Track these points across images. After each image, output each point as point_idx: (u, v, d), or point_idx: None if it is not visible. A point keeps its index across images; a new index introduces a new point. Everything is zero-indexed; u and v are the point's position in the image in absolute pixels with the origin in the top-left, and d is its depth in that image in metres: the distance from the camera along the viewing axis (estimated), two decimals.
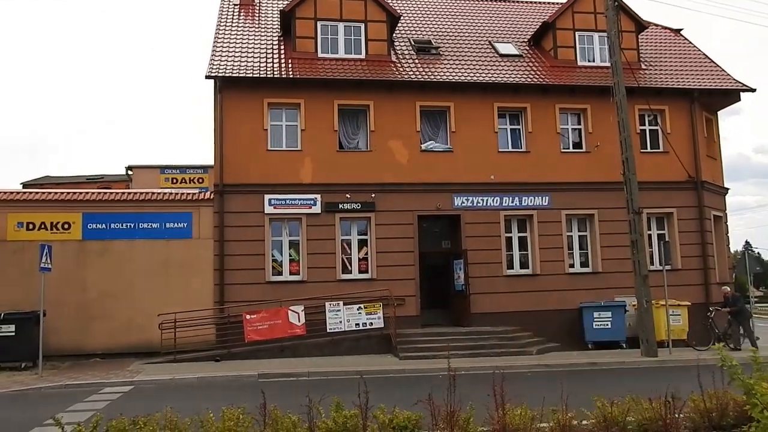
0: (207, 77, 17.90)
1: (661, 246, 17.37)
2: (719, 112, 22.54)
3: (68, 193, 18.52)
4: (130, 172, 26.76)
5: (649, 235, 19.77)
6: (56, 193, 18.62)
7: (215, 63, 18.41)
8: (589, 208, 19.50)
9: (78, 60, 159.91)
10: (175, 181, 26.04)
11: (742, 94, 21.19)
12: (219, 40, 19.74)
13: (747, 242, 23.92)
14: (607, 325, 17.94)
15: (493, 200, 19.02)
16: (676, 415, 6.73)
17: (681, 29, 24.95)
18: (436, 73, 19.56)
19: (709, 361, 15.96)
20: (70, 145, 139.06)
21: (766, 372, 5.94)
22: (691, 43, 24.06)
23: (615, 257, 19.04)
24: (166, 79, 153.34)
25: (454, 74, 19.57)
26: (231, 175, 17.84)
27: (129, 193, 18.77)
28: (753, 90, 20.80)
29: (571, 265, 19.44)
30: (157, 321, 16.09)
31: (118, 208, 17.85)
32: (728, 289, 18.53)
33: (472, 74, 19.65)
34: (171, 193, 18.81)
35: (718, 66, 22.21)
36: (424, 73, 19.46)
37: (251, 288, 17.23)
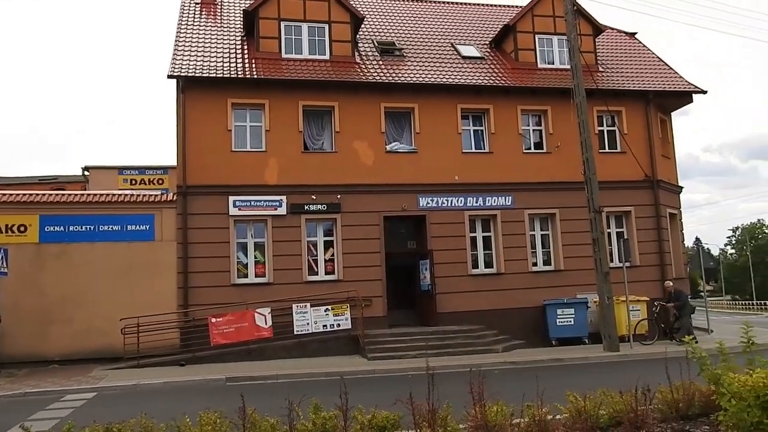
0: (169, 77, 17.64)
1: (621, 243, 17.83)
2: (672, 113, 23.21)
3: (24, 194, 17.99)
4: (86, 173, 26.09)
5: (608, 233, 20.24)
6: (11, 194, 18.07)
7: (177, 62, 18.15)
8: (550, 208, 19.88)
9: (33, 58, 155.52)
10: (134, 182, 25.48)
11: (693, 95, 21.88)
12: (181, 40, 19.45)
13: (697, 238, 24.61)
14: (570, 321, 18.33)
15: (457, 200, 19.21)
16: (646, 406, 6.95)
17: (635, 33, 25.63)
18: (400, 75, 19.66)
19: (670, 354, 16.49)
20: (21, 145, 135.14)
21: (731, 362, 6.16)
22: (645, 46, 24.75)
23: (576, 255, 19.45)
24: (124, 79, 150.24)
25: (417, 76, 19.70)
26: (194, 177, 17.60)
27: (89, 195, 18.33)
28: (704, 92, 21.51)
29: (534, 264, 19.78)
30: (119, 326, 15.76)
31: (77, 209, 17.43)
32: (671, 283, 18.56)
33: (435, 76, 19.82)
34: (132, 195, 18.43)
35: (671, 68, 22.90)
36: (388, 75, 19.54)
37: (216, 291, 17.03)
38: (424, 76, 19.72)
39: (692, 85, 21.73)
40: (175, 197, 17.77)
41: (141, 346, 15.78)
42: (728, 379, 5.72)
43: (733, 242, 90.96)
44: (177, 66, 17.97)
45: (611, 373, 13.31)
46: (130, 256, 17.26)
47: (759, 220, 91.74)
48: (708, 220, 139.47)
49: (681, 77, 22.16)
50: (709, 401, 7.28)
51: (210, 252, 17.29)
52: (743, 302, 69.35)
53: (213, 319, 16.32)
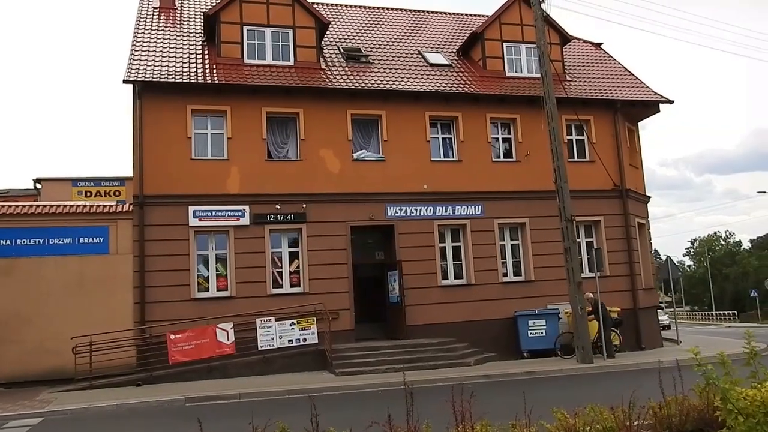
0: (125, 82, 16.82)
1: (593, 253, 17.55)
2: (639, 123, 23.22)
3: None
4: (38, 186, 24.88)
5: (578, 243, 19.98)
6: None
7: (134, 67, 17.35)
8: (520, 217, 19.55)
9: None
10: (89, 194, 24.33)
11: (660, 105, 21.91)
12: (138, 44, 18.65)
13: (656, 250, 24.81)
14: (542, 333, 17.96)
15: (426, 210, 18.75)
16: (638, 423, 6.50)
17: (601, 43, 25.70)
18: (366, 81, 19.19)
19: (642, 366, 16.20)
20: None
21: (735, 375, 5.71)
22: (610, 56, 24.80)
23: (546, 265, 19.15)
24: (76, 87, 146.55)
25: (385, 83, 19.26)
26: (152, 186, 16.77)
27: (38, 206, 17.28)
28: (671, 101, 21.54)
29: (505, 275, 19.40)
30: (71, 344, 14.78)
31: (25, 222, 16.40)
32: (591, 295, 17.44)
33: (403, 83, 19.40)
34: (85, 206, 17.43)
35: (637, 78, 22.93)
36: (354, 81, 19.05)
37: (175, 306, 16.18)
38: (391, 83, 19.29)
39: (659, 95, 21.76)
40: (131, 208, 16.90)
41: (94, 366, 14.83)
42: (735, 394, 5.26)
43: (691, 254, 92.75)
44: (133, 71, 17.17)
45: (588, 386, 12.92)
46: (82, 271, 16.29)
47: (716, 232, 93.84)
48: (666, 232, 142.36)
49: (648, 87, 22.20)
50: (703, 417, 6.87)
51: (169, 265, 16.43)
52: (702, 313, 70.50)
53: (172, 336, 15.46)
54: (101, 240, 16.76)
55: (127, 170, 17.83)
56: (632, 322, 19.68)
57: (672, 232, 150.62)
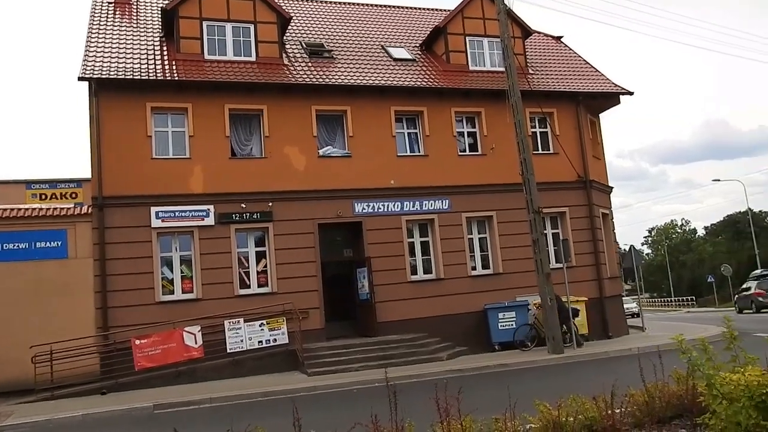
0: (80, 79, 16.23)
1: (561, 244, 17.65)
2: (600, 115, 23.48)
3: None
4: None
5: (545, 234, 20.11)
6: None
7: (89, 63, 16.76)
8: (487, 210, 19.57)
9: None
10: (44, 197, 23.47)
11: (621, 96, 22.20)
12: (93, 40, 18.03)
13: (615, 241, 25.14)
14: (512, 325, 18.00)
15: (394, 205, 18.61)
16: (620, 410, 6.47)
17: (561, 36, 25.91)
18: (330, 77, 18.93)
19: (612, 354, 16.35)
20: None
21: (715, 360, 5.71)
22: (571, 49, 25.02)
23: (514, 258, 19.22)
24: (27, 85, 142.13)
25: (349, 78, 19.02)
26: (111, 187, 16.24)
27: None
28: (631, 93, 21.84)
29: (474, 268, 19.40)
30: (30, 354, 14.17)
31: None
32: None
33: (367, 78, 19.20)
34: (41, 209, 16.80)
35: (598, 71, 23.17)
36: (318, 77, 18.77)
37: (139, 310, 15.69)
38: (355, 77, 19.06)
39: (619, 86, 22.04)
40: (90, 210, 16.35)
41: (55, 376, 14.29)
42: (720, 380, 5.25)
43: (649, 242, 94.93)
44: (89, 67, 16.59)
45: (562, 376, 12.98)
46: (40, 276, 15.66)
47: (672, 220, 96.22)
48: (624, 222, 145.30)
49: (608, 79, 22.45)
50: (683, 403, 6.89)
51: (131, 268, 15.94)
52: (661, 299, 72.17)
53: (137, 341, 15.00)
54: (59, 244, 16.17)
55: (84, 171, 17.24)
56: (599, 311, 19.91)
57: (630, 222, 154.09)
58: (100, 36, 18.43)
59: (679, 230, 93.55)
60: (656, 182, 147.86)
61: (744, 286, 36.25)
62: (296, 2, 23.89)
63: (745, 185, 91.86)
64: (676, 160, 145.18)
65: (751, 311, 32.11)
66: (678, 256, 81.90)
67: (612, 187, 23.24)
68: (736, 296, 36.71)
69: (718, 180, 64.15)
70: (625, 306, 36.95)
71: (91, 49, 17.53)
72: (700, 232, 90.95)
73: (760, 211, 75.85)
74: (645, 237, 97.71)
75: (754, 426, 4.93)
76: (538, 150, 20.51)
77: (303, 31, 21.60)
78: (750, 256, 57.17)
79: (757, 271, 39.03)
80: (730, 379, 5.20)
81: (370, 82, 18.96)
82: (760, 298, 32.04)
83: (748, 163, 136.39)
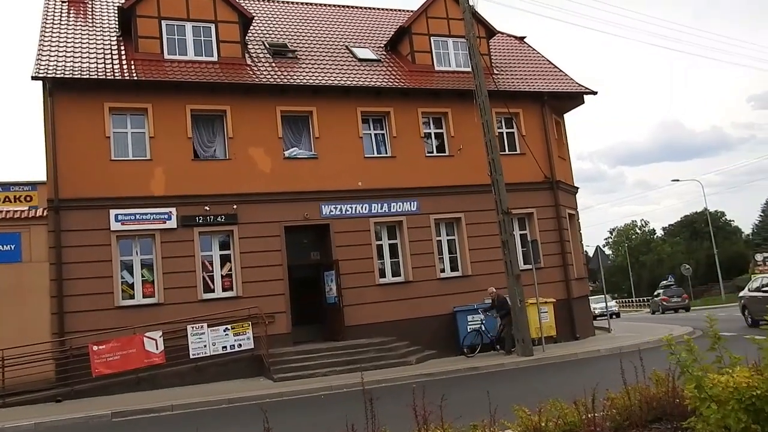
0: (33, 78, 15.62)
1: (530, 245, 17.60)
2: (565, 115, 23.61)
3: None
4: None
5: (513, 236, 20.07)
6: None
7: (43, 63, 16.14)
8: (455, 212, 19.45)
9: None
10: None
11: (584, 96, 22.35)
12: (47, 38, 17.39)
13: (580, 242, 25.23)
14: (482, 327, 17.86)
15: (361, 207, 18.35)
16: (601, 414, 6.32)
17: (524, 37, 26.02)
18: (295, 77, 18.61)
19: (581, 356, 16.32)
20: None
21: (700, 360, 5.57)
22: (534, 49, 25.13)
23: (483, 259, 19.13)
24: None
25: (314, 78, 18.73)
26: (68, 189, 15.64)
27: None
28: (595, 93, 21.99)
29: (442, 270, 19.24)
30: None
31: None
32: (494, 289, 17.25)
33: (332, 78, 18.93)
34: None
35: (561, 71, 23.30)
36: (282, 77, 18.43)
37: (98, 315, 15.12)
38: (320, 78, 18.78)
39: (583, 86, 22.18)
40: (45, 213, 15.72)
41: (7, 383, 13.75)
42: (709, 381, 5.08)
43: (610, 243, 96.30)
44: (42, 66, 15.98)
45: (534, 379, 12.87)
46: None
47: (633, 221, 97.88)
48: (585, 223, 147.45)
49: (572, 79, 22.59)
50: (663, 406, 6.74)
51: (89, 272, 15.35)
52: (622, 299, 73.33)
53: (95, 347, 14.43)
54: (12, 247, 15.52)
55: (38, 174, 16.54)
56: (567, 312, 19.94)
57: (590, 224, 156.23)
58: (54, 35, 17.79)
59: (638, 231, 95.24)
60: (614, 184, 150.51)
61: (655, 292, 46.03)
62: (258, 2, 23.48)
63: (702, 185, 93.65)
64: (633, 161, 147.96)
65: (659, 312, 41.82)
66: (638, 256, 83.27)
67: (578, 188, 23.39)
68: (650, 300, 46.14)
69: (677, 180, 65.55)
70: (601, 305, 37.06)
71: (45, 48, 16.90)
72: (659, 233, 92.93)
73: (716, 211, 77.75)
74: (606, 238, 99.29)
75: (743, 430, 4.77)
76: (504, 150, 20.42)
77: (265, 31, 21.23)
78: (708, 256, 58.48)
79: (664, 282, 48.11)
80: (718, 380, 5.05)
81: (336, 82, 18.69)
82: (665, 303, 42.11)
83: (701, 163, 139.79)
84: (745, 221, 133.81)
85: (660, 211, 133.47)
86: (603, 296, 38.06)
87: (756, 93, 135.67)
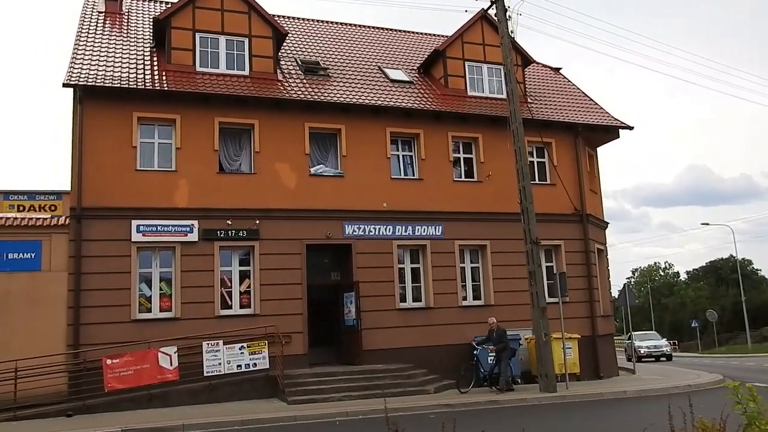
0: (65, 85, 15.57)
1: (557, 278, 17.03)
2: (598, 149, 23.12)
3: None
4: None
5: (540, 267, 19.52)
6: None
7: (75, 70, 16.13)
8: (481, 239, 18.99)
9: None
10: (22, 208, 22.51)
11: (620, 131, 21.87)
12: (81, 47, 17.44)
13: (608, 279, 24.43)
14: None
15: (385, 229, 17.98)
16: None
17: (560, 68, 25.71)
18: (325, 94, 18.43)
19: (606, 396, 15.63)
20: None
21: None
22: (569, 81, 24.78)
23: (506, 290, 18.62)
24: (6, 92, 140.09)
25: (344, 96, 18.53)
26: (91, 198, 15.49)
27: None
28: (631, 128, 21.52)
29: (464, 298, 18.73)
30: None
31: None
32: (494, 319, 16.51)
33: (362, 97, 18.71)
34: (15, 219, 15.93)
35: (596, 103, 22.89)
36: (313, 93, 18.26)
37: (113, 328, 14.83)
38: (351, 96, 18.57)
39: (619, 120, 21.73)
40: (67, 221, 15.55)
41: (19, 395, 13.36)
42: None
43: (632, 283, 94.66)
44: (74, 73, 15.95)
45: (559, 418, 12.27)
46: (9, 289, 14.78)
47: (656, 262, 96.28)
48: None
49: (607, 112, 22.15)
50: None
51: (108, 284, 15.11)
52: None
53: (108, 361, 14.11)
54: (33, 255, 15.35)
55: (64, 184, 16.48)
56: (591, 350, 19.27)
57: (612, 262, 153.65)
58: (88, 44, 17.84)
59: (662, 273, 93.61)
60: (638, 224, 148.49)
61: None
62: (293, 20, 23.51)
63: (733, 231, 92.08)
64: (658, 203, 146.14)
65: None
66: (660, 298, 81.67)
67: (608, 223, 22.81)
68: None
69: (707, 224, 64.21)
70: (649, 344, 36.02)
71: (78, 56, 16.92)
72: (682, 276, 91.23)
73: (743, 259, 76.13)
74: (628, 278, 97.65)
75: None
76: (535, 180, 19.92)
77: (299, 49, 21.16)
78: (735, 303, 57.06)
79: (640, 333, 41.67)
80: None
81: (366, 101, 18.47)
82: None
83: (729, 210, 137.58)
84: None
85: (683, 254, 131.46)
86: (652, 333, 36.67)
87: None
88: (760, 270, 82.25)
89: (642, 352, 34.96)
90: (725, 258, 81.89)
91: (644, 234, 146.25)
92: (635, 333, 37.49)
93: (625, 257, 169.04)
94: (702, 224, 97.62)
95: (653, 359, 35.26)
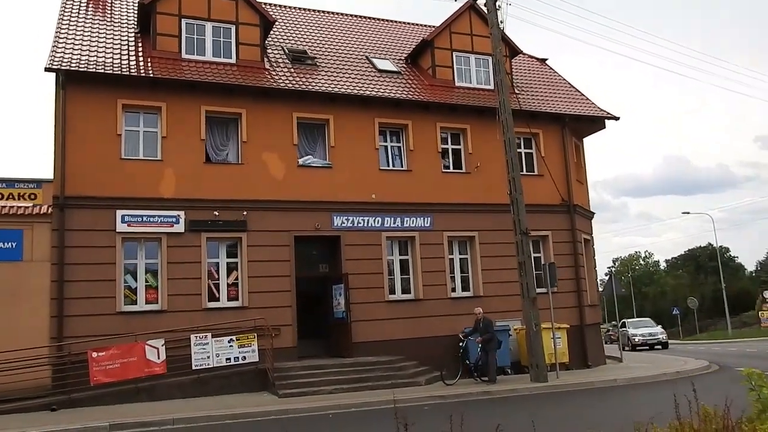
0: (47, 70, 15.16)
1: (546, 268, 17.05)
2: (584, 139, 23.15)
3: None
4: None
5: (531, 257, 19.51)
6: None
7: (58, 54, 15.71)
8: (469, 230, 18.92)
9: None
10: (0, 196, 22.16)
11: (606, 121, 21.89)
12: (63, 31, 16.99)
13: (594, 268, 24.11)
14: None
15: (374, 221, 17.83)
16: None
17: (546, 59, 25.65)
18: (313, 84, 18.18)
19: (597, 384, 15.68)
20: None
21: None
22: (556, 72, 24.74)
23: (495, 280, 18.60)
24: None
25: (332, 86, 18.29)
26: (75, 186, 15.12)
27: None
28: (617, 118, 21.54)
29: (453, 289, 18.68)
30: None
31: None
32: (480, 310, 16.32)
33: (351, 87, 18.49)
34: None
35: (582, 94, 22.88)
36: (300, 83, 18.00)
37: (99, 320, 14.54)
38: (339, 86, 18.34)
39: (605, 111, 21.74)
40: (50, 210, 15.18)
41: (1, 388, 13.00)
42: None
43: (613, 272, 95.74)
44: (57, 58, 15.54)
45: (553, 406, 12.26)
46: None
47: (636, 252, 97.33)
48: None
49: (593, 103, 22.15)
50: None
51: (92, 275, 14.78)
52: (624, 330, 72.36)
53: (94, 354, 13.82)
54: (13, 245, 14.95)
55: (45, 172, 16.05)
56: (579, 339, 19.35)
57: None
58: (71, 28, 17.39)
59: (642, 262, 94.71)
60: (618, 214, 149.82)
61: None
62: (280, 8, 23.15)
63: (713, 219, 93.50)
64: (637, 193, 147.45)
65: (628, 348, 32.63)
66: (640, 287, 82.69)
67: (594, 213, 22.89)
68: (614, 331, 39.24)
69: (688, 213, 65.08)
70: (644, 331, 34.20)
71: (61, 40, 16.48)
72: (662, 265, 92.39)
73: (720, 247, 77.23)
74: (609, 267, 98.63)
75: None
76: (522, 171, 19.89)
77: (286, 37, 20.85)
78: (714, 290, 57.90)
79: (633, 320, 40.97)
80: None
81: (355, 91, 18.25)
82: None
83: (706, 199, 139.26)
84: (748, 258, 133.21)
85: (661, 243, 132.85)
86: (646, 320, 35.86)
87: (763, 134, 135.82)
88: (737, 257, 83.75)
89: (637, 340, 33.89)
90: (703, 246, 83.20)
91: (623, 224, 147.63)
92: (628, 320, 36.98)
93: (605, 247, 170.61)
94: (683, 213, 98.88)
95: (647, 348, 33.64)
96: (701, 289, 65.84)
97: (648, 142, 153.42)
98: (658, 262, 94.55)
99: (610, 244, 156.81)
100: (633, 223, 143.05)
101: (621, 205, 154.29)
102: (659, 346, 33.66)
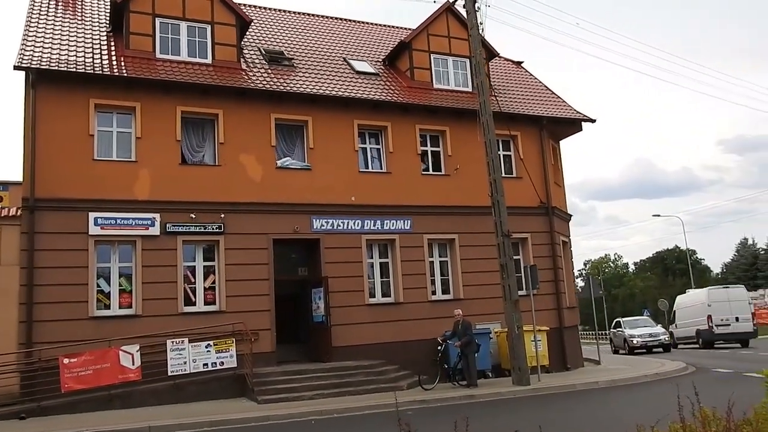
0: (16, 68, 14.68)
1: (527, 270, 16.99)
2: (561, 142, 23.25)
3: None
4: None
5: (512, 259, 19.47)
6: None
7: (27, 52, 15.22)
8: (449, 233, 18.82)
9: None
10: None
11: (582, 123, 22.00)
12: (32, 28, 16.50)
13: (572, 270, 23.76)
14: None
15: (354, 223, 17.61)
16: None
17: (522, 62, 25.75)
18: (291, 85, 17.91)
19: (579, 387, 15.64)
20: None
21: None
22: (531, 74, 24.84)
23: (475, 283, 18.50)
24: None
25: (310, 87, 18.05)
26: (45, 188, 14.63)
27: None
28: (593, 120, 21.66)
29: (434, 292, 18.53)
30: None
31: None
32: (460, 312, 16.19)
33: (329, 89, 18.27)
34: None
35: (559, 97, 22.99)
36: (278, 84, 17.73)
37: (70, 325, 14.04)
38: (317, 87, 18.11)
39: (581, 113, 21.85)
40: (19, 212, 14.67)
41: None
42: None
43: (583, 275, 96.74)
44: (27, 56, 15.05)
45: (538, 409, 12.15)
46: None
47: (606, 254, 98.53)
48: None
49: (569, 105, 22.27)
50: None
51: (63, 278, 14.30)
52: (593, 332, 73.18)
53: (65, 360, 13.34)
54: None
55: (12, 173, 15.51)
56: (558, 342, 19.35)
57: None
58: (41, 25, 16.90)
59: (612, 265, 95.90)
60: (586, 217, 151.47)
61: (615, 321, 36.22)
62: (256, 9, 22.87)
63: (683, 222, 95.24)
64: (604, 196, 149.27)
65: (625, 352, 30.77)
66: (610, 289, 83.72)
67: (571, 215, 22.98)
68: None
69: (658, 215, 65.65)
70: (643, 332, 29.24)
71: (30, 38, 15.99)
72: (630, 267, 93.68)
73: (687, 249, 78.58)
74: (580, 269, 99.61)
75: None
76: (501, 173, 19.91)
77: (262, 38, 20.57)
78: (682, 292, 58.61)
79: (629, 319, 36.98)
80: None
81: (334, 92, 18.03)
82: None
83: (671, 202, 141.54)
84: (713, 260, 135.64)
85: (629, 246, 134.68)
86: (644, 318, 34.00)
87: (726, 138, 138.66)
88: (704, 259, 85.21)
89: (635, 342, 29.53)
90: (670, 249, 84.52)
91: (591, 227, 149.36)
92: (623, 320, 34.66)
93: (575, 250, 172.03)
94: (654, 215, 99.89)
95: (645, 351, 29.11)
96: (670, 291, 66.64)
97: (614, 144, 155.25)
98: (627, 264, 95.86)
99: (580, 247, 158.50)
100: (601, 226, 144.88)
101: (589, 209, 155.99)
102: (660, 349, 29.21)
